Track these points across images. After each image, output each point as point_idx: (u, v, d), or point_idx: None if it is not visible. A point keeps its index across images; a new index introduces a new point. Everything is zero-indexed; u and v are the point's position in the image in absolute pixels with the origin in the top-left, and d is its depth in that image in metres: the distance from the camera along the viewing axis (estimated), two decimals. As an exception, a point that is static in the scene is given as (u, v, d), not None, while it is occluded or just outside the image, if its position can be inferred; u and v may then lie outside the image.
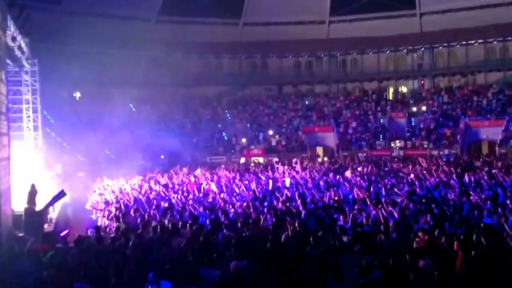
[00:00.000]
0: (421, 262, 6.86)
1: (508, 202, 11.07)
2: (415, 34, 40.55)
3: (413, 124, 36.46)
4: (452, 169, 19.23)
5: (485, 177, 15.99)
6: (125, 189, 17.23)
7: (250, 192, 14.90)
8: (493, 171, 17.43)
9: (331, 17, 43.15)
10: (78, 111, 33.72)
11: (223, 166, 25.84)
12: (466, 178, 16.05)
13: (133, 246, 8.87)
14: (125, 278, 6.97)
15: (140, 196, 14.88)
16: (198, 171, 22.78)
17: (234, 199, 13.56)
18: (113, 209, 12.77)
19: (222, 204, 12.93)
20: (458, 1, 38.67)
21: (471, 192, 12.96)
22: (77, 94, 38.68)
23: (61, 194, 13.18)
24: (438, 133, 33.90)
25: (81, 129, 27.06)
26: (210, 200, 13.83)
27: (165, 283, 6.37)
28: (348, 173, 18.66)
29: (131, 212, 12.13)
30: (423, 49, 40.97)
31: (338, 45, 41.92)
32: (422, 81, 42.23)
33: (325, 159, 30.68)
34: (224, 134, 37.43)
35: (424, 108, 37.82)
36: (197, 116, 40.05)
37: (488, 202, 11.35)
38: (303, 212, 11.06)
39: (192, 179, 19.20)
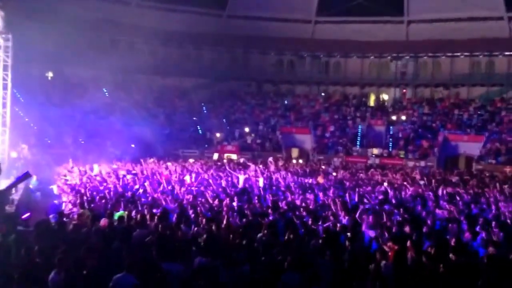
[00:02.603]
0: (383, 263, 7.13)
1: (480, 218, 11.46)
2: (401, 42, 41.23)
3: (391, 132, 37.02)
4: (427, 181, 19.77)
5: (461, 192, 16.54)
6: (92, 176, 17.14)
7: (220, 189, 15.05)
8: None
9: (317, 17, 43.54)
10: (49, 92, 33.17)
11: (191, 160, 25.89)
12: (440, 191, 16.53)
13: (96, 234, 8.87)
14: (86, 265, 6.97)
15: (108, 184, 14.82)
16: (169, 164, 22.79)
17: (207, 194, 13.64)
18: (78, 195, 12.67)
19: (191, 199, 12.99)
20: (447, 12, 39.29)
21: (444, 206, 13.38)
22: (49, 74, 37.98)
23: (26, 175, 12.99)
24: (416, 144, 34.55)
25: (51, 111, 26.65)
26: (179, 193, 13.86)
27: (128, 276, 6.40)
28: (320, 179, 18.90)
29: (97, 199, 12.11)
30: (407, 57, 41.65)
31: (322, 46, 42.32)
32: (404, 90, 42.96)
33: (300, 161, 30.99)
34: (198, 128, 37.36)
35: (403, 117, 38.48)
36: (172, 107, 39.87)
37: (461, 217, 11.74)
38: (274, 213, 11.22)
39: (165, 171, 19.18)
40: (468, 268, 7.42)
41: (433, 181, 20.15)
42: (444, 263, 7.27)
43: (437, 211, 12.76)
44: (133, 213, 10.45)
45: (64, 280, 6.15)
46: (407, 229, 9.98)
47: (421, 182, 18.61)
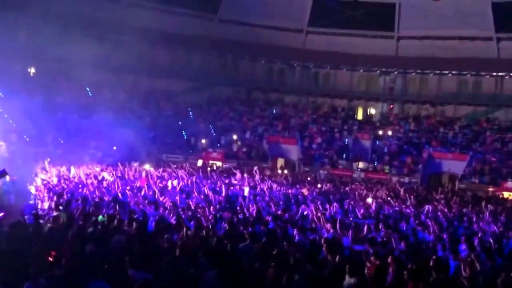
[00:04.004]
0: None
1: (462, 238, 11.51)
2: (390, 57, 41.54)
3: (377, 147, 37.23)
4: (411, 198, 19.88)
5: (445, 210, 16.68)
6: (70, 177, 16.85)
7: (202, 197, 14.92)
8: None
9: (309, 27, 43.78)
10: (31, 88, 32.65)
11: (173, 165, 25.69)
12: (425, 208, 16.64)
13: (72, 238, 8.67)
14: (59, 270, 6.79)
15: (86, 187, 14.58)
16: (147, 166, 22.54)
17: (190, 202, 13.49)
18: (55, 197, 12.41)
19: (172, 206, 12.81)
20: (438, 30, 39.82)
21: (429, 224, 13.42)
22: (32, 70, 37.42)
23: (1, 174, 12.66)
24: (401, 159, 34.80)
25: (32, 108, 26.20)
26: (161, 198, 13.68)
27: (100, 282, 6.26)
28: (305, 191, 18.92)
29: (74, 202, 11.88)
30: (396, 72, 42.05)
31: (312, 57, 42.49)
32: (391, 105, 43.30)
33: (285, 171, 30.97)
34: (184, 133, 37.10)
35: (390, 132, 38.75)
36: (157, 110, 39.55)
37: (445, 235, 11.79)
38: (258, 223, 11.13)
39: (144, 174, 18.97)
40: (449, 286, 7.43)
41: (412, 197, 20.26)
42: (424, 281, 7.27)
43: (419, 228, 12.81)
44: (112, 217, 10.24)
45: None
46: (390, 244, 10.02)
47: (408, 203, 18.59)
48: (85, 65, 33.85)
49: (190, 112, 40.18)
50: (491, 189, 29.29)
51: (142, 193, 14.38)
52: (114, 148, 28.37)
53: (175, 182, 16.70)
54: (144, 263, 7.05)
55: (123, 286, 6.35)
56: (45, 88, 33.33)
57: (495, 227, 13.92)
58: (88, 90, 36.13)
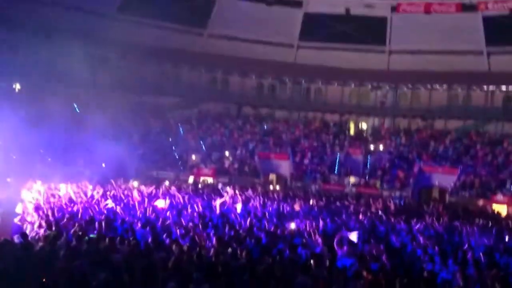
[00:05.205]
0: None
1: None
2: (381, 71, 42.04)
3: (368, 162, 37.58)
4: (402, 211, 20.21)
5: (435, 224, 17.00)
6: (60, 195, 16.93)
7: (195, 214, 15.08)
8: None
9: (300, 41, 44.34)
10: (16, 105, 32.63)
11: (167, 182, 25.84)
12: (416, 222, 16.94)
13: (64, 258, 8.79)
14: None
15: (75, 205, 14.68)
16: (136, 183, 22.64)
17: (182, 220, 13.64)
18: (45, 216, 12.51)
19: (164, 223, 12.97)
20: (429, 44, 40.51)
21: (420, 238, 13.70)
22: (17, 86, 37.42)
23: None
24: (392, 174, 35.14)
25: (18, 125, 26.18)
26: (153, 216, 13.83)
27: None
28: (297, 206, 19.19)
29: (65, 221, 11.99)
30: (387, 87, 42.61)
31: (304, 72, 42.91)
32: (383, 120, 43.76)
33: (277, 187, 31.17)
34: (174, 149, 37.21)
35: (381, 147, 39.15)
36: (146, 127, 39.61)
37: (437, 248, 12.08)
38: (250, 239, 11.33)
39: (136, 193, 19.07)
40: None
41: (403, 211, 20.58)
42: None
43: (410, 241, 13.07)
44: (103, 236, 10.39)
45: None
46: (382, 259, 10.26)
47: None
48: (72, 81, 33.99)
49: (180, 128, 40.31)
50: (481, 202, 29.66)
51: (137, 212, 14.51)
52: (103, 165, 28.41)
53: (167, 201, 16.81)
54: (140, 281, 7.23)
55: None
56: (31, 105, 33.32)
57: (486, 241, 14.25)
58: (76, 106, 36.18)
